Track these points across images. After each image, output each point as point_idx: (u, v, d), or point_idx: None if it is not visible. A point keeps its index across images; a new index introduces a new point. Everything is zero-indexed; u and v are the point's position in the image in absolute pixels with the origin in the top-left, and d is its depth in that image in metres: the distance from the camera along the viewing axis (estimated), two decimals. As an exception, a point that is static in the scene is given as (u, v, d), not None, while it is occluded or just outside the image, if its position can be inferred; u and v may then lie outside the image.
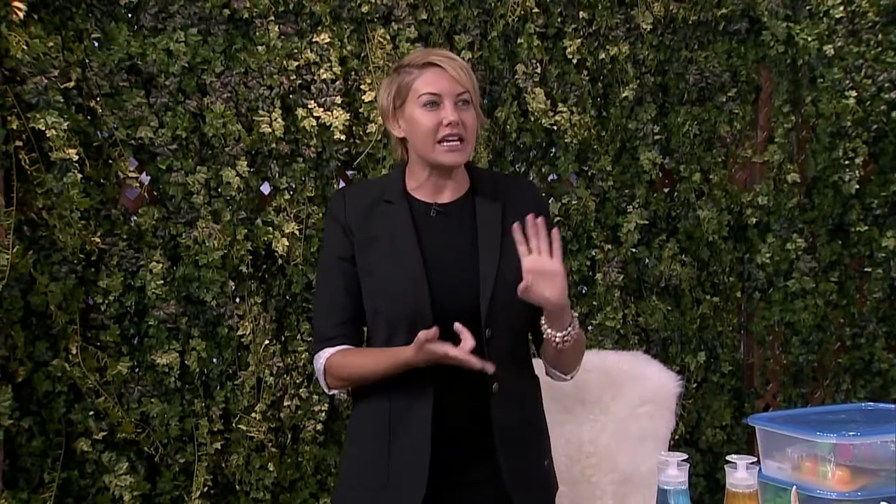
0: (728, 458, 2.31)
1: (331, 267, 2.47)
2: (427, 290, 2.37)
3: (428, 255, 2.40)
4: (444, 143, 2.38)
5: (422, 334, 2.24)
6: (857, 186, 4.14)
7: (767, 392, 4.21)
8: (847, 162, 4.12)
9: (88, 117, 3.15)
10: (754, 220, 4.08)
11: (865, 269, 4.26)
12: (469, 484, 2.41)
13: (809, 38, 4.04)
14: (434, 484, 2.36)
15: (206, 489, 3.28)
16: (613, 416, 2.85)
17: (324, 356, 2.45)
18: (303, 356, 3.41)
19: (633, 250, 3.90)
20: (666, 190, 4.01)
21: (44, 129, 3.01)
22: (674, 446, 2.90)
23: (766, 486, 2.38)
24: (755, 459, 2.29)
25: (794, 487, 2.11)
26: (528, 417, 2.50)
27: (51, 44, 3.04)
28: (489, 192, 2.47)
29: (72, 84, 3.09)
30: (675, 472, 2.26)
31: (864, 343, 4.26)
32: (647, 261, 3.93)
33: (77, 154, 3.06)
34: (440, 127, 2.38)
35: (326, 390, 2.52)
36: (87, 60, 3.13)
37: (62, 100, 3.04)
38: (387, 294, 2.40)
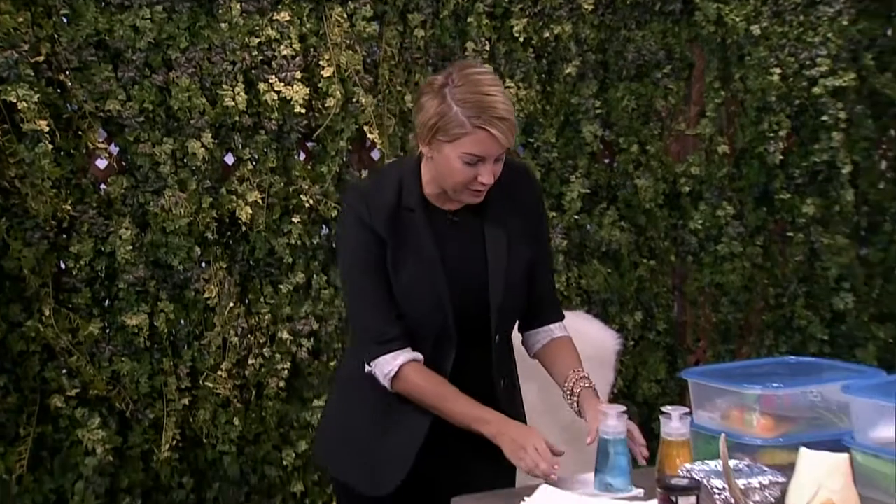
0: (663, 409, 2.34)
1: (367, 266, 2.34)
2: (450, 302, 2.33)
3: (447, 265, 2.34)
4: (470, 190, 2.30)
5: (540, 451, 2.23)
6: (781, 157, 4.20)
7: (698, 348, 4.25)
8: (772, 134, 4.17)
9: (58, 90, 3.09)
10: (687, 188, 4.11)
11: (788, 234, 4.32)
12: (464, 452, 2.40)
13: (738, 19, 4.08)
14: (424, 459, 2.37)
15: (174, 442, 3.26)
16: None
17: (395, 364, 2.33)
18: (265, 318, 3.39)
19: (576, 217, 3.90)
20: (606, 161, 4.03)
21: (15, 101, 2.96)
22: (612, 399, 2.91)
23: (698, 435, 2.38)
24: (688, 410, 2.32)
25: (723, 435, 2.11)
26: (519, 401, 2.54)
27: (20, 19, 2.97)
28: (495, 193, 2.34)
29: (41, 58, 3.03)
30: (615, 422, 2.28)
31: (786, 302, 4.33)
32: (588, 227, 3.95)
33: (48, 125, 3.01)
34: (474, 181, 2.27)
35: (389, 388, 2.37)
36: (56, 35, 3.07)
37: (32, 73, 2.99)
38: (415, 302, 2.34)
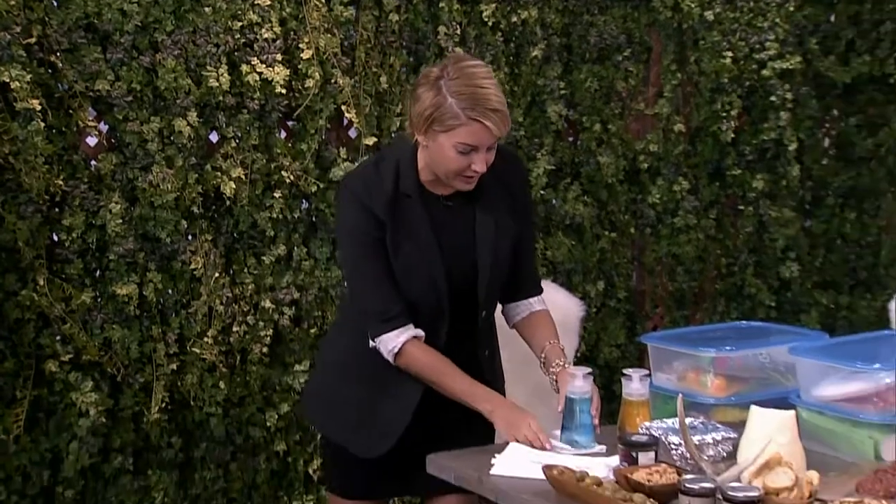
0: (624, 371, 2.39)
1: (368, 247, 2.35)
2: (445, 280, 2.34)
3: (442, 246, 2.36)
4: (463, 177, 2.30)
5: (534, 429, 2.28)
6: (733, 135, 4.20)
7: (656, 314, 4.27)
8: (724, 114, 4.18)
9: (49, 71, 3.05)
10: (646, 165, 4.11)
11: (739, 208, 4.34)
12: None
13: (693, 5, 4.08)
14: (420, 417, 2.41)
15: (163, 405, 3.25)
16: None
17: (399, 341, 2.35)
18: (249, 287, 3.38)
19: (542, 192, 3.90)
20: (570, 139, 4.02)
21: (8, 81, 2.92)
22: (576, 362, 2.93)
23: (656, 395, 2.42)
24: (647, 372, 2.38)
25: (680, 395, 2.16)
26: (499, 368, 2.58)
27: (12, 2, 2.92)
28: (486, 179, 2.34)
29: (33, 40, 2.99)
30: (581, 383, 2.32)
31: (737, 271, 4.35)
32: (553, 201, 3.94)
33: (40, 104, 2.97)
34: (467, 169, 2.27)
35: (392, 362, 2.39)
36: (46, 18, 3.02)
37: (25, 54, 2.96)
38: (413, 283, 2.35)
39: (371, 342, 2.40)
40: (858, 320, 4.52)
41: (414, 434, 2.41)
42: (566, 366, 2.43)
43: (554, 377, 2.42)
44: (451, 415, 2.40)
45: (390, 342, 2.36)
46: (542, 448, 2.26)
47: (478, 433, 2.45)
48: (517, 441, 2.29)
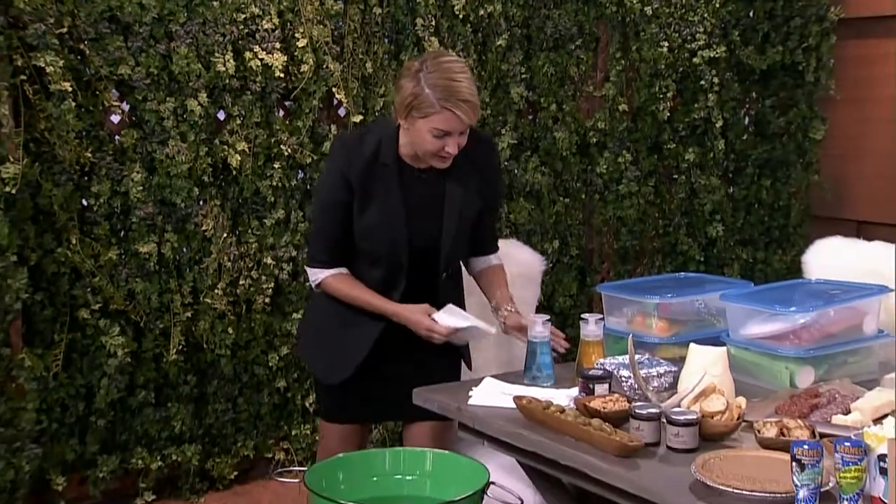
0: (582, 315, 2.37)
1: (331, 205, 2.37)
2: (406, 240, 2.34)
3: (409, 211, 2.35)
4: (439, 157, 2.30)
5: (426, 320, 2.31)
6: (668, 114, 4.20)
7: (603, 269, 4.28)
8: (661, 96, 4.17)
9: (79, 57, 3.03)
10: (595, 140, 4.11)
11: (673, 177, 4.35)
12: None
13: (634, 2, 4.07)
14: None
15: (180, 347, 3.27)
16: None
17: (320, 276, 2.42)
18: (253, 246, 3.37)
19: (506, 163, 3.90)
20: (530, 117, 4.01)
21: (43, 66, 2.91)
22: (536, 310, 2.95)
23: (609, 336, 2.42)
24: (601, 317, 2.38)
25: (630, 336, 2.16)
26: None
27: (46, -3, 2.91)
28: (459, 158, 2.33)
29: (65, 30, 2.97)
30: (541, 328, 2.32)
31: (672, 231, 4.36)
32: (516, 171, 3.94)
33: (71, 86, 2.96)
34: (442, 150, 2.27)
35: (314, 289, 2.48)
36: (76, 11, 3.00)
37: (57, 42, 2.94)
38: (375, 238, 2.36)
39: (309, 279, 2.49)
40: (772, 272, 4.55)
41: (386, 367, 2.42)
42: (514, 311, 2.44)
43: (503, 320, 2.44)
44: (416, 354, 2.41)
45: (313, 276, 2.45)
46: (441, 335, 2.31)
47: (444, 368, 2.46)
48: (424, 335, 2.34)
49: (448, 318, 2.33)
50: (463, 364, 2.55)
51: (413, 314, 2.35)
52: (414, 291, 2.38)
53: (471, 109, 2.24)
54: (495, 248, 2.59)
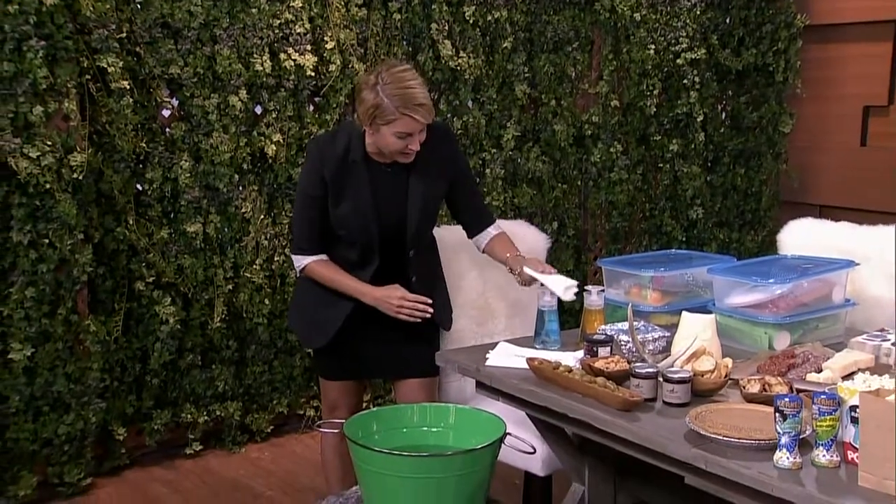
0: (586, 287, 2.35)
1: (308, 198, 2.38)
2: (377, 226, 2.35)
3: (377, 202, 2.36)
4: (403, 154, 2.31)
5: (395, 304, 2.32)
6: (655, 109, 4.21)
7: (597, 247, 4.30)
8: (648, 93, 4.19)
9: (135, 59, 3.06)
10: (590, 132, 4.12)
11: (659, 165, 4.37)
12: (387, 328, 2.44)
13: (625, 9, 4.08)
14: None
15: (223, 316, 3.30)
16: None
17: (304, 261, 2.41)
18: (287, 226, 3.39)
19: (511, 153, 3.92)
20: (532, 112, 4.02)
21: (106, 66, 2.94)
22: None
23: (609, 305, 2.41)
24: (603, 288, 2.36)
25: (630, 305, 2.16)
26: (438, 286, 2.53)
27: (108, 6, 2.93)
28: (420, 152, 2.34)
29: (123, 35, 3.00)
30: (549, 298, 2.30)
31: (657, 214, 4.38)
32: (519, 160, 3.96)
33: (128, 84, 2.99)
34: (405, 148, 2.28)
35: (298, 274, 2.48)
36: (133, 18, 3.02)
37: (118, 46, 2.97)
38: (349, 227, 2.36)
39: (294, 265, 2.48)
40: (745, 250, 4.57)
41: (366, 331, 2.43)
42: (523, 256, 2.43)
43: (517, 272, 2.41)
44: (393, 321, 2.41)
45: (297, 262, 2.44)
46: (420, 311, 2.33)
47: (422, 327, 2.45)
48: (394, 313, 2.35)
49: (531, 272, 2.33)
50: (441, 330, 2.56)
51: (383, 291, 2.37)
52: (386, 267, 2.40)
53: (426, 112, 2.25)
54: (491, 221, 2.56)
